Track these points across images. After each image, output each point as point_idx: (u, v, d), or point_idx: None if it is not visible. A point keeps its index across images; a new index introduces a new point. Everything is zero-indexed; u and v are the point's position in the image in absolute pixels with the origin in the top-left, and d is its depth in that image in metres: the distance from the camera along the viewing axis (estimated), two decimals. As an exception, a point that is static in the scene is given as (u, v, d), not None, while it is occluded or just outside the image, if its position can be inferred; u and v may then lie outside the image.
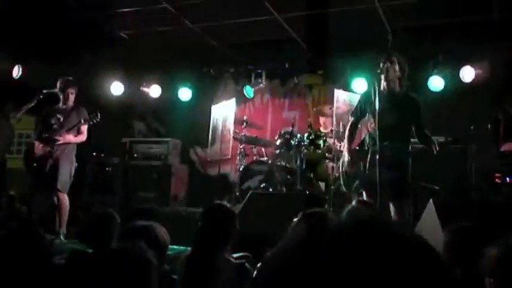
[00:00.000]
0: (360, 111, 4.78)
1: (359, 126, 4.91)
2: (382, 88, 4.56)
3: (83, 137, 6.21)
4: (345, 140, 4.97)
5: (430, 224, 3.88)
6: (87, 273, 2.21)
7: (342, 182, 4.86)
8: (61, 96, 6.26)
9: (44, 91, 6.36)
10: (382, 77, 4.54)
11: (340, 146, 6.79)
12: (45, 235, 5.39)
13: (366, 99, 4.75)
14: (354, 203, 3.26)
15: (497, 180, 6.12)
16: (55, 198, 5.99)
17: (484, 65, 6.83)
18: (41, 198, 6.89)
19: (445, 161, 6.24)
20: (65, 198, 6.08)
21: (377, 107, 4.39)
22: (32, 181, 6.95)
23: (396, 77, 4.58)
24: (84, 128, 6.19)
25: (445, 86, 7.12)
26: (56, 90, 6.27)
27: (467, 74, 6.95)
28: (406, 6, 6.23)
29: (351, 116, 4.95)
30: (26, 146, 8.97)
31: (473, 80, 6.92)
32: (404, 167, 4.41)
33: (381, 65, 4.56)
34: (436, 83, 7.16)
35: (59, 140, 5.97)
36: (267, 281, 0.71)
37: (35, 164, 6.21)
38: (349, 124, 4.93)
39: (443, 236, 2.65)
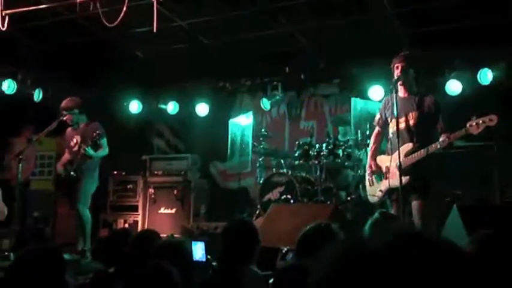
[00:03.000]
0: (383, 119, 4.76)
1: (383, 133, 4.88)
2: (399, 92, 4.54)
3: (103, 151, 6.25)
4: (369, 149, 4.97)
5: (455, 230, 3.84)
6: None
7: (367, 192, 4.84)
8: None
9: (64, 112, 6.46)
10: (399, 81, 4.52)
11: (360, 155, 6.77)
12: (72, 256, 5.47)
13: (386, 106, 4.74)
14: (376, 214, 3.22)
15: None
16: (78, 215, 6.04)
17: (502, 67, 6.76)
18: (66, 219, 6.99)
19: (467, 165, 6.18)
20: (87, 215, 6.14)
21: (395, 111, 4.37)
22: (57, 202, 7.06)
23: (412, 78, 4.55)
24: (104, 142, 6.24)
25: (462, 89, 7.05)
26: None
27: (485, 76, 6.89)
28: (419, 11, 6.21)
29: (376, 125, 4.93)
30: (49, 167, 9.15)
31: (491, 82, 6.85)
32: (424, 168, 4.36)
33: (395, 69, 4.55)
34: (453, 86, 7.10)
35: (84, 153, 5.98)
36: None
37: (61, 186, 6.32)
38: (374, 134, 4.93)
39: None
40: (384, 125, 4.77)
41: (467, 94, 6.95)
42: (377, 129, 4.90)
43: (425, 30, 6.79)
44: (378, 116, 4.89)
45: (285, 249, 4.31)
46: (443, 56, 7.06)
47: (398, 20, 6.51)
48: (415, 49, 6.35)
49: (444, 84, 7.09)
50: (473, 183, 6.12)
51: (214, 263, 3.38)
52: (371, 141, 5.00)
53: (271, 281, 2.42)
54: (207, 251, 3.79)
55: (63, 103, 6.30)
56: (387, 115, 4.69)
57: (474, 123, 4.05)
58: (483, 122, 4.02)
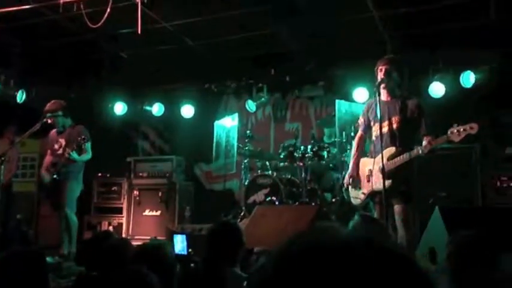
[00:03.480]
0: (366, 122, 4.78)
1: (366, 136, 4.90)
2: (382, 95, 4.57)
3: (86, 155, 6.22)
4: (352, 153, 4.99)
5: (437, 231, 3.88)
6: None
7: (350, 195, 4.85)
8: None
9: (48, 115, 6.40)
10: (382, 84, 4.54)
11: (342, 157, 6.81)
12: (55, 259, 5.42)
13: (369, 109, 4.76)
14: (356, 217, 3.24)
15: (503, 184, 6.12)
16: (63, 219, 6.00)
17: (484, 70, 6.84)
18: (48, 222, 6.93)
19: (449, 167, 6.24)
20: (74, 219, 6.10)
21: (378, 114, 4.40)
22: (40, 204, 7.00)
23: (395, 81, 4.57)
24: (88, 146, 6.20)
25: (446, 92, 7.12)
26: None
27: (468, 79, 6.97)
28: (403, 14, 6.26)
29: (358, 128, 4.95)
30: (31, 169, 9.06)
31: (474, 84, 6.93)
32: (407, 172, 4.39)
33: (378, 71, 4.57)
34: (436, 89, 7.16)
35: (69, 157, 5.94)
36: None
37: (44, 188, 6.26)
38: (357, 137, 4.95)
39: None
40: (367, 128, 4.79)
41: (450, 96, 7.02)
42: (360, 132, 4.92)
43: (409, 33, 6.86)
44: (360, 119, 4.92)
45: (256, 249, 4.29)
46: (426, 59, 7.12)
47: (383, 22, 6.56)
48: (398, 52, 6.41)
49: (427, 87, 7.15)
50: (456, 185, 6.18)
51: (196, 258, 3.38)
52: (354, 145, 5.02)
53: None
54: (189, 244, 3.79)
55: (47, 106, 6.25)
56: (370, 118, 4.71)
57: (455, 131, 4.09)
58: (464, 130, 4.06)
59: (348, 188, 4.81)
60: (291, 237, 0.72)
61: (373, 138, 4.62)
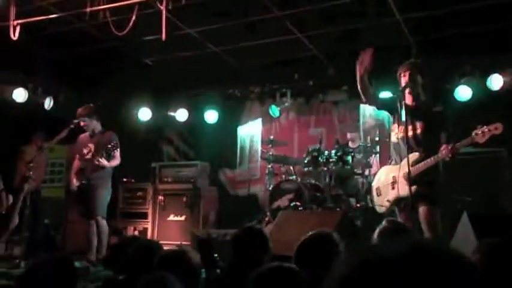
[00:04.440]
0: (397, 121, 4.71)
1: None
2: (407, 100, 4.52)
3: (116, 161, 6.30)
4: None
5: (465, 237, 3.81)
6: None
7: (374, 202, 4.81)
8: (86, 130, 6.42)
9: (75, 121, 6.51)
10: (407, 89, 4.49)
11: (369, 162, 6.75)
12: (83, 263, 5.50)
13: (395, 109, 4.69)
14: (384, 223, 3.21)
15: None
16: (94, 226, 6.07)
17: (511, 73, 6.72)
18: (76, 227, 7.02)
19: (477, 171, 6.13)
20: (104, 225, 6.18)
21: (403, 119, 4.36)
22: (68, 210, 7.09)
23: (419, 86, 4.52)
24: (117, 152, 6.29)
25: (472, 95, 7.02)
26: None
27: (495, 81, 6.85)
28: (428, 17, 6.20)
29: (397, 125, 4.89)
30: (59, 174, 9.21)
31: (501, 87, 6.81)
32: (431, 177, 4.33)
33: (402, 76, 4.53)
34: (463, 92, 7.07)
35: (99, 164, 6.03)
36: None
37: (73, 194, 6.36)
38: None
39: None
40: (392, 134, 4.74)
41: (476, 100, 6.91)
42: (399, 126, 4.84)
43: (434, 37, 6.78)
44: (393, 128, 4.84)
45: None
46: (452, 62, 7.03)
47: (407, 26, 6.50)
48: (424, 55, 6.34)
49: (453, 90, 7.06)
50: (484, 190, 6.07)
51: (221, 264, 3.38)
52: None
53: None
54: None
55: (79, 110, 6.40)
56: (396, 125, 4.64)
57: (480, 132, 4.03)
58: (489, 130, 4.00)
59: (376, 194, 4.76)
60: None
61: (394, 140, 4.56)
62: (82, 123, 6.34)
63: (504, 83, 6.79)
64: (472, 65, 7.04)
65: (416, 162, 4.29)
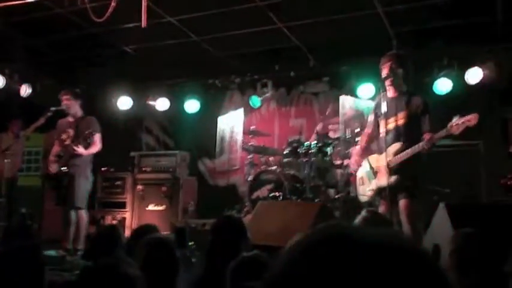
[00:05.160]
0: (375, 121, 4.77)
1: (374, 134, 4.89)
2: (388, 91, 4.57)
3: (97, 147, 6.21)
4: (358, 147, 5.00)
5: (441, 228, 3.86)
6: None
7: (358, 192, 4.87)
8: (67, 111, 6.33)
9: (53, 108, 6.42)
10: (387, 80, 4.53)
11: (349, 153, 6.79)
12: (59, 252, 5.43)
13: (377, 106, 4.76)
14: (364, 212, 3.24)
15: (507, 181, 6.09)
16: (73, 215, 6.00)
17: (490, 66, 6.80)
18: (53, 216, 6.94)
19: (454, 164, 6.22)
20: (84, 215, 6.12)
21: (383, 111, 4.41)
22: (45, 198, 6.99)
23: (400, 77, 4.56)
24: (97, 138, 6.20)
25: (452, 88, 7.09)
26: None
27: (474, 75, 6.93)
28: (409, 10, 6.23)
29: (369, 124, 4.96)
30: (36, 163, 9.08)
31: (480, 81, 6.89)
32: (413, 168, 4.39)
33: (383, 68, 4.56)
34: (442, 85, 7.13)
35: (75, 152, 5.96)
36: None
37: (51, 181, 6.27)
38: (365, 134, 4.99)
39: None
40: (376, 125, 4.78)
41: (455, 93, 6.99)
42: (367, 130, 4.92)
43: (414, 29, 6.82)
44: (370, 117, 4.92)
45: None
46: (432, 55, 7.10)
47: (388, 18, 6.52)
48: (404, 48, 6.39)
49: (432, 83, 7.13)
50: (460, 182, 6.16)
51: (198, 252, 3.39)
52: (360, 140, 5.03)
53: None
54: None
55: (63, 91, 6.32)
56: (378, 115, 4.69)
57: (454, 124, 4.09)
58: (463, 122, 4.06)
59: (359, 184, 4.82)
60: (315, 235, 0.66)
61: (381, 135, 4.61)
62: (65, 102, 6.24)
63: (483, 76, 6.87)
64: (451, 57, 7.11)
65: (398, 152, 4.34)
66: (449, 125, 4.12)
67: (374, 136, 4.87)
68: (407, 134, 4.43)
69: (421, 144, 4.22)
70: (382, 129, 4.54)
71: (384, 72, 4.55)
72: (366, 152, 4.86)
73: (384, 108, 4.40)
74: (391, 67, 4.52)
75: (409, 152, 4.29)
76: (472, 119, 4.04)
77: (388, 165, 4.19)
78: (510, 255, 1.92)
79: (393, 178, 4.21)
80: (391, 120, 4.51)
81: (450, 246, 2.52)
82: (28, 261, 2.28)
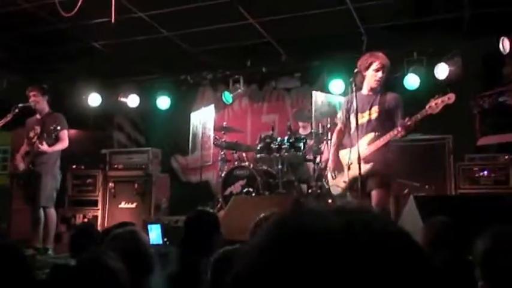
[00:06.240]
0: (346, 116, 4.83)
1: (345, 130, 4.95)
2: (363, 89, 4.65)
3: (63, 144, 6.09)
4: (331, 145, 5.06)
5: (411, 219, 3.93)
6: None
7: (330, 184, 4.95)
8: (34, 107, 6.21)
9: (20, 105, 6.28)
10: (365, 81, 4.63)
11: (320, 148, 6.85)
12: (29, 251, 5.34)
13: (348, 103, 4.81)
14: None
15: (474, 173, 6.25)
16: (41, 214, 5.90)
17: (457, 62, 6.94)
18: (21, 215, 6.81)
19: (424, 158, 6.35)
20: (52, 213, 6.02)
21: (354, 106, 4.47)
22: (13, 198, 6.85)
23: (377, 79, 4.62)
24: (63, 134, 6.09)
25: (420, 83, 7.22)
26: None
27: (442, 71, 7.07)
28: (379, 5, 6.31)
29: (338, 122, 5.02)
30: (3, 161, 8.87)
31: (447, 76, 7.03)
32: (387, 157, 4.49)
33: (375, 66, 4.60)
34: (411, 81, 7.25)
35: (39, 150, 5.85)
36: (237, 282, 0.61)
37: (19, 180, 6.16)
38: (336, 130, 5.01)
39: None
40: (347, 122, 4.83)
41: (424, 88, 7.11)
42: (339, 126, 4.97)
43: (384, 25, 6.91)
44: (340, 114, 4.97)
45: None
46: (401, 50, 7.20)
47: (359, 14, 6.59)
48: (374, 44, 6.47)
49: (402, 78, 7.24)
50: (430, 175, 6.29)
51: (172, 248, 3.37)
52: (333, 138, 5.09)
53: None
54: (163, 234, 3.72)
55: (30, 87, 6.20)
56: (350, 111, 4.74)
57: (434, 104, 4.18)
58: (442, 101, 4.16)
59: (331, 178, 4.87)
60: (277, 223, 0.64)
61: (352, 130, 4.66)
62: (32, 98, 6.11)
63: (449, 72, 7.01)
64: (420, 54, 7.24)
65: (372, 142, 4.43)
66: (427, 106, 4.22)
67: (345, 131, 4.92)
68: (380, 126, 4.52)
69: (396, 129, 4.31)
70: (353, 124, 4.60)
71: (377, 72, 4.56)
72: (340, 148, 4.92)
73: (356, 103, 4.46)
74: (385, 67, 4.58)
75: (385, 138, 4.38)
76: (451, 97, 4.15)
77: (359, 156, 4.27)
78: (474, 244, 1.98)
79: (367, 166, 4.29)
80: (365, 114, 4.60)
81: (421, 235, 2.58)
82: (10, 261, 2.23)
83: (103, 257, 1.85)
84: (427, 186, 6.15)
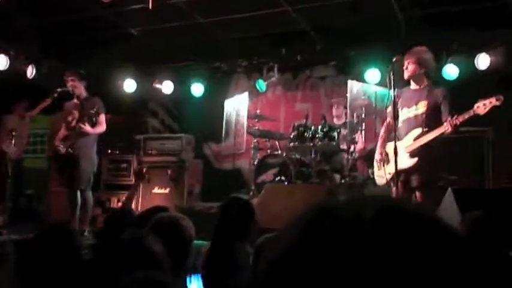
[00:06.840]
0: (396, 111, 4.82)
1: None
2: (411, 85, 4.72)
3: (102, 127, 6.21)
4: (380, 138, 5.07)
5: (449, 213, 3.85)
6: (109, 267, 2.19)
7: (375, 174, 5.04)
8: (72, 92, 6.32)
9: (58, 90, 6.41)
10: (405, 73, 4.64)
11: (355, 138, 6.77)
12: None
13: (399, 96, 4.80)
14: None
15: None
16: (79, 197, 6.02)
17: (499, 51, 6.73)
18: (59, 198, 6.96)
19: (462, 150, 6.19)
20: (89, 196, 6.14)
21: (404, 100, 4.52)
22: (51, 180, 7.01)
23: (422, 72, 4.63)
24: (102, 118, 6.20)
25: (459, 74, 7.04)
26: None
27: (483, 61, 6.87)
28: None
29: (388, 115, 5.01)
30: (42, 145, 9.09)
31: (488, 66, 6.83)
32: (433, 153, 4.45)
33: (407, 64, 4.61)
34: (450, 71, 7.08)
35: (82, 130, 5.96)
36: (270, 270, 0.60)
37: (56, 163, 6.28)
38: (385, 123, 5.06)
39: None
40: (396, 115, 4.81)
41: (464, 79, 6.93)
42: (388, 119, 4.99)
43: (423, 14, 6.74)
44: (390, 107, 4.93)
45: None
46: (440, 40, 7.02)
47: (397, 2, 6.45)
48: (412, 33, 6.33)
49: (441, 69, 7.06)
50: (468, 169, 6.14)
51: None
52: (381, 131, 5.15)
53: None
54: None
55: (66, 74, 6.30)
56: (399, 105, 4.74)
57: (481, 104, 4.14)
58: (490, 102, 4.12)
59: (377, 168, 4.93)
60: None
61: (400, 124, 4.65)
62: (70, 83, 6.22)
63: (491, 62, 6.81)
64: (460, 43, 7.04)
65: (418, 137, 4.48)
66: (475, 106, 4.19)
67: (393, 125, 4.90)
68: (427, 122, 4.54)
69: (444, 125, 4.30)
70: (402, 118, 4.65)
71: (409, 68, 4.64)
72: (387, 141, 4.92)
73: (404, 98, 4.56)
74: (414, 65, 4.61)
75: (431, 134, 4.38)
76: (500, 98, 4.12)
77: (406, 150, 4.29)
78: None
79: (412, 161, 4.37)
80: (412, 109, 4.64)
81: (460, 228, 2.52)
82: (64, 244, 2.27)
83: (145, 239, 1.86)
84: (464, 179, 6.01)
